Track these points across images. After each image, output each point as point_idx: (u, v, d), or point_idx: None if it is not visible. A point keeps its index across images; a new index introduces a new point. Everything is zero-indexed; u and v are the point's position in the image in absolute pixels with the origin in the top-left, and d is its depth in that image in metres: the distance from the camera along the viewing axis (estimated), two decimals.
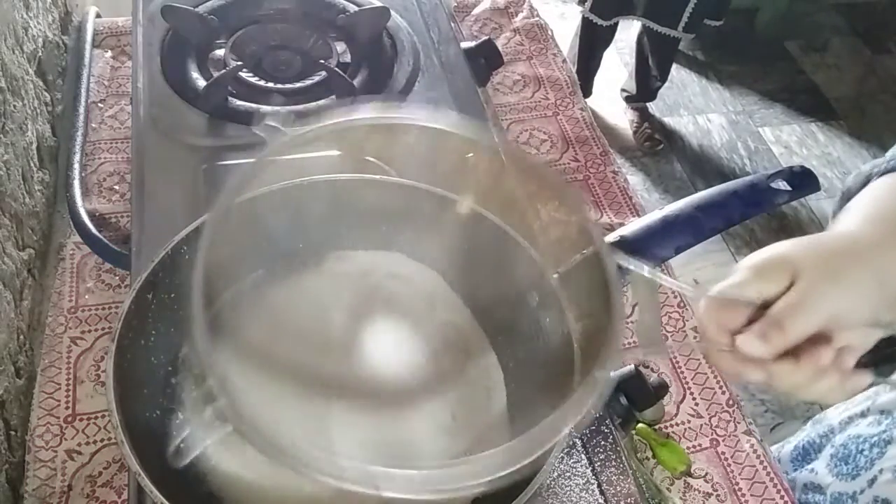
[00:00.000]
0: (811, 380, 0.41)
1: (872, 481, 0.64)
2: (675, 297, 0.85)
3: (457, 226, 0.62)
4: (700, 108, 2.52)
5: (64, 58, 1.02)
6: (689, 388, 0.78)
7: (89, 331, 0.76)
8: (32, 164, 0.83)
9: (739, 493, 0.71)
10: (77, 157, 0.87)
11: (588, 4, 2.03)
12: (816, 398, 0.43)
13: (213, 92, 0.81)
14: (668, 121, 2.47)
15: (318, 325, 0.63)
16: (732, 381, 0.46)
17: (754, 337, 0.40)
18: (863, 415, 0.72)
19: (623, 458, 0.62)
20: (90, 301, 0.78)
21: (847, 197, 0.52)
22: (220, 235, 0.45)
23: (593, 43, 2.18)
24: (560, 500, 0.58)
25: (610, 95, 2.43)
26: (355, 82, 0.86)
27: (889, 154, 0.52)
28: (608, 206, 0.94)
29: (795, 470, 0.78)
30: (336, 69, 0.84)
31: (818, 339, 0.40)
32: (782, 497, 0.71)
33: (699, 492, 0.71)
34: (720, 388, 0.78)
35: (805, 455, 0.78)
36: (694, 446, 0.74)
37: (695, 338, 0.49)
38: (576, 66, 2.16)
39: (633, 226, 0.60)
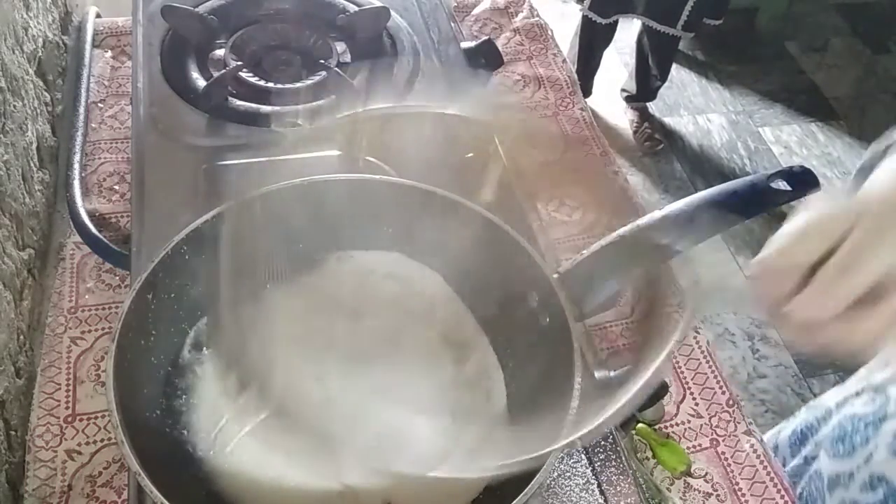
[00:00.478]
0: (890, 323, 0.39)
1: (868, 458, 0.64)
2: (676, 296, 0.85)
3: (457, 226, 0.62)
4: (700, 108, 2.52)
5: (64, 58, 1.02)
6: (689, 388, 0.78)
7: (89, 331, 0.76)
8: (32, 164, 0.83)
9: (739, 493, 0.71)
10: (77, 157, 0.87)
11: (587, 3, 2.03)
12: (874, 345, 0.41)
13: (213, 92, 0.81)
14: (668, 121, 2.47)
15: (318, 326, 0.63)
16: (814, 347, 0.43)
17: (823, 284, 0.39)
18: (857, 394, 0.71)
19: (623, 458, 0.62)
20: (90, 301, 0.78)
21: (865, 171, 0.50)
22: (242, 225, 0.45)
23: (593, 42, 2.18)
24: (560, 500, 0.58)
25: (610, 95, 2.43)
26: (355, 82, 0.86)
27: None
28: (608, 206, 0.93)
29: (794, 456, 0.78)
30: (336, 69, 0.85)
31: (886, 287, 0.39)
32: (782, 497, 0.71)
33: (699, 492, 0.71)
34: (720, 388, 0.78)
35: (802, 439, 0.78)
36: (694, 446, 0.74)
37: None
38: (576, 66, 2.16)
39: (633, 226, 0.60)
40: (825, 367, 1.84)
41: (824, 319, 0.40)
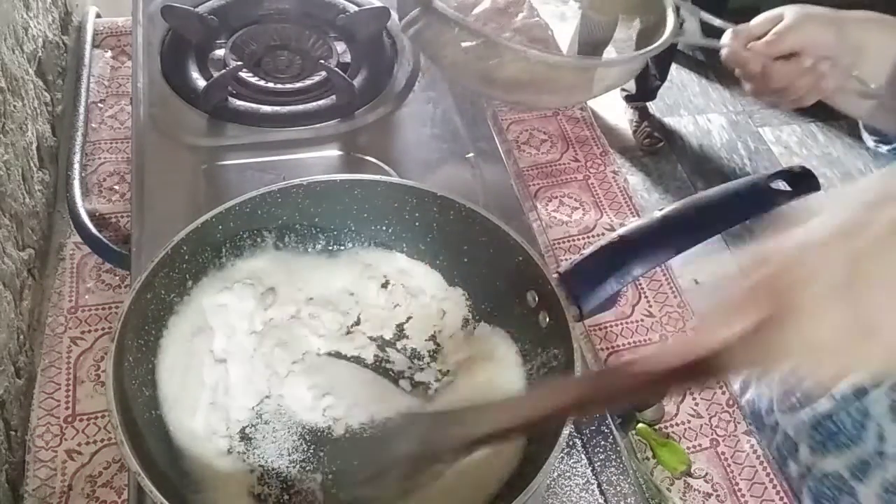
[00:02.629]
0: (796, 76, 0.65)
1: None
2: (675, 297, 0.85)
3: (457, 226, 0.62)
4: (700, 108, 2.52)
5: (64, 58, 1.02)
6: (689, 388, 0.78)
7: (89, 331, 0.76)
8: (32, 164, 0.83)
9: (739, 494, 0.71)
10: (77, 157, 0.87)
11: (587, 2, 2.03)
12: (798, 97, 0.66)
13: (213, 92, 0.81)
14: (669, 121, 2.47)
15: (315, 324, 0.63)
16: (746, 77, 0.69)
17: (763, 42, 0.66)
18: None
19: (623, 458, 0.62)
20: (90, 301, 0.78)
21: None
22: None
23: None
24: (560, 500, 0.58)
25: (610, 95, 2.43)
26: (355, 82, 0.86)
27: None
28: (608, 206, 0.93)
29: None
30: (336, 69, 0.85)
31: (800, 55, 0.64)
32: (782, 498, 0.71)
33: (699, 492, 0.71)
34: (720, 388, 0.78)
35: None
36: (694, 446, 0.74)
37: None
38: None
39: (633, 227, 0.60)
40: None
41: (768, 55, 0.65)
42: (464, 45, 0.64)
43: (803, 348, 0.35)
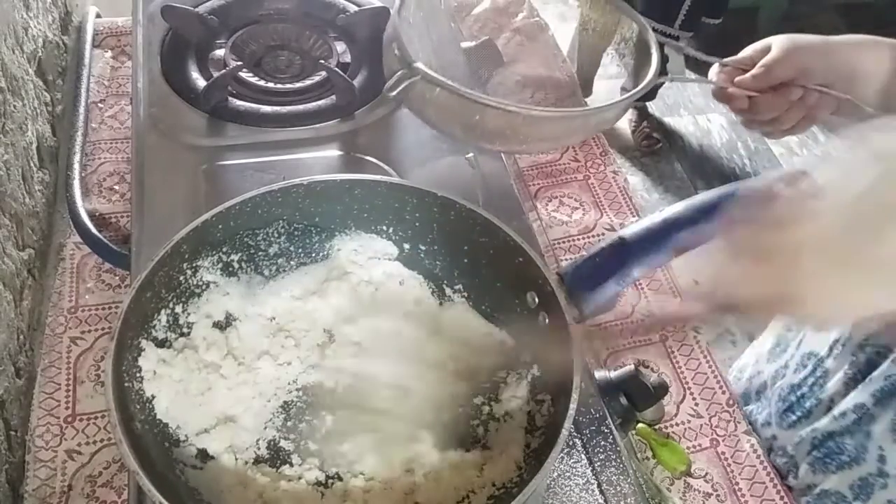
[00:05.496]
0: (783, 108, 0.64)
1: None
2: (675, 297, 0.85)
3: (457, 226, 0.62)
4: (700, 108, 2.52)
5: (64, 58, 1.02)
6: (689, 388, 0.78)
7: (89, 331, 0.76)
8: (32, 164, 0.83)
9: (739, 494, 0.71)
10: (77, 157, 0.87)
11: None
12: (789, 127, 0.66)
13: (213, 92, 0.81)
14: (669, 121, 2.47)
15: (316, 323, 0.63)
16: (732, 109, 0.68)
17: (749, 76, 0.65)
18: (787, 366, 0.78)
19: (623, 458, 0.62)
20: (90, 301, 0.78)
21: None
22: None
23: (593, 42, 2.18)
24: (560, 500, 0.58)
25: (610, 95, 2.43)
26: (355, 82, 0.86)
27: None
28: (608, 206, 0.94)
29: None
30: (336, 69, 0.84)
31: (790, 86, 0.64)
32: (782, 498, 0.71)
33: (699, 492, 0.71)
34: (720, 388, 0.78)
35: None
36: (694, 446, 0.74)
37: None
38: (575, 66, 2.16)
39: (633, 227, 0.60)
40: None
41: (754, 90, 0.64)
42: (446, 102, 0.66)
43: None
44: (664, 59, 0.72)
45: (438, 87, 0.64)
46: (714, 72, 0.68)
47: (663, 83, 0.70)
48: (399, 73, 0.65)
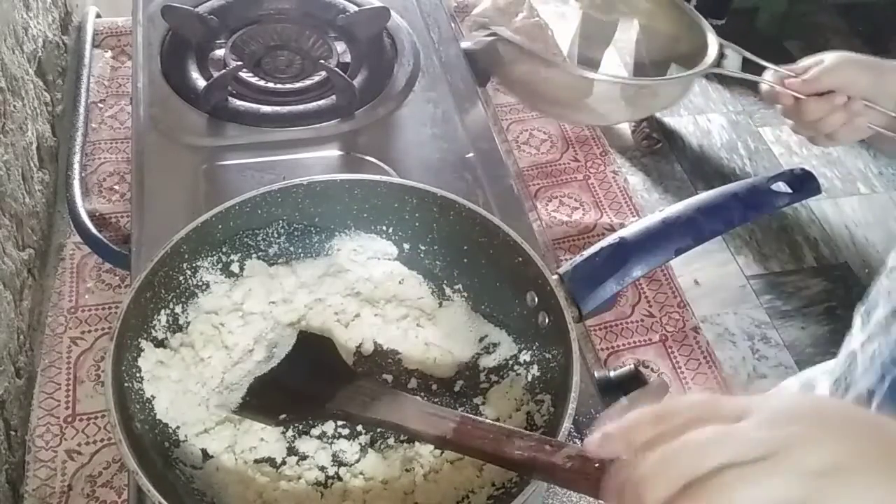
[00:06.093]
0: (828, 112, 0.70)
1: None
2: (675, 297, 0.85)
3: (457, 226, 0.62)
4: (700, 108, 2.52)
5: (64, 58, 1.02)
6: (689, 388, 0.78)
7: (89, 331, 0.76)
8: (32, 164, 0.83)
9: None
10: (77, 157, 0.87)
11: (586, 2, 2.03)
12: (830, 131, 0.72)
13: (213, 92, 0.81)
14: (668, 121, 2.47)
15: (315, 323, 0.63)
16: (783, 111, 0.74)
17: (799, 80, 0.72)
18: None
19: None
20: (90, 301, 0.78)
21: None
22: None
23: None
24: (560, 500, 0.58)
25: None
26: (355, 82, 0.86)
27: None
28: (608, 206, 0.94)
29: None
30: (336, 69, 0.84)
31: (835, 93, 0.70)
32: None
33: None
34: (720, 388, 0.78)
35: None
36: None
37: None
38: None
39: (633, 227, 0.60)
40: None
41: (802, 95, 0.72)
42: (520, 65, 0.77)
43: None
44: (721, 56, 0.79)
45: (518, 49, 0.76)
46: (768, 74, 0.75)
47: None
48: (482, 34, 0.76)
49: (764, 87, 0.75)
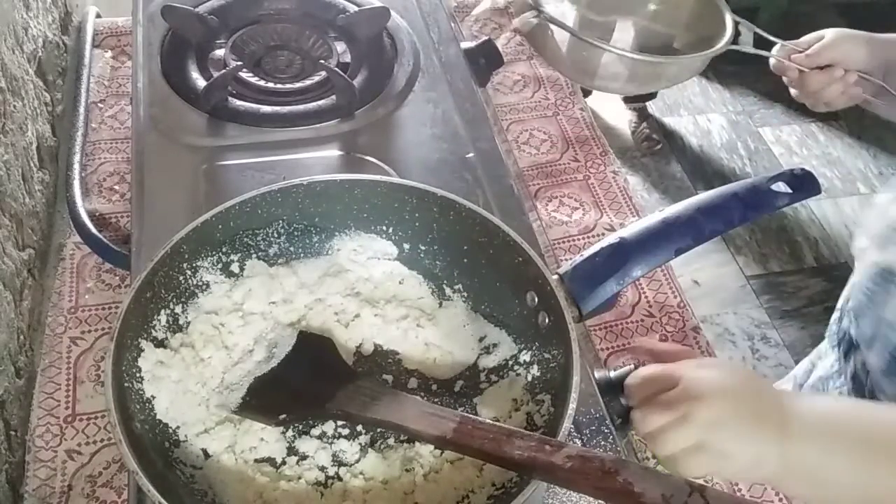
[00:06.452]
0: (827, 83, 0.81)
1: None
2: (676, 297, 0.85)
3: (456, 226, 0.62)
4: (700, 108, 2.52)
5: (64, 58, 1.02)
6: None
7: (89, 331, 0.76)
8: (32, 164, 0.83)
9: (739, 494, 0.71)
10: (77, 157, 0.87)
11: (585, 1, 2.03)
12: (829, 100, 0.83)
13: (213, 92, 0.81)
14: (668, 121, 2.47)
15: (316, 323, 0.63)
16: (788, 82, 0.85)
17: (803, 55, 0.82)
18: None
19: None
20: (90, 301, 0.78)
21: None
22: None
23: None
24: (560, 501, 0.58)
25: (610, 95, 2.43)
26: (355, 82, 0.86)
27: None
28: (608, 206, 0.94)
29: None
30: (336, 69, 0.84)
31: (835, 67, 0.81)
32: (781, 499, 0.71)
33: None
34: None
35: None
36: None
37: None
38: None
39: (633, 227, 0.60)
40: None
41: (804, 68, 0.82)
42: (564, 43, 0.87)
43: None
44: (736, 34, 0.87)
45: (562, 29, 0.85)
46: (776, 49, 0.85)
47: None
48: (531, 15, 0.86)
49: (772, 61, 0.84)
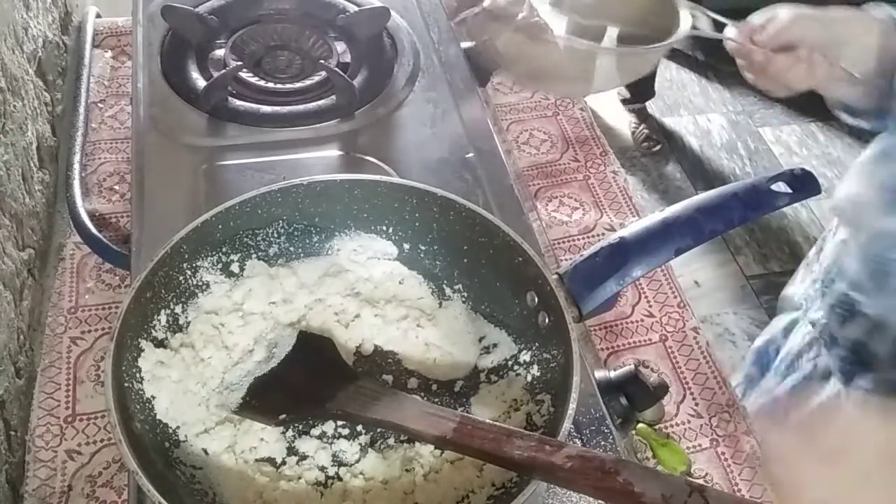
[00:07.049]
0: (791, 65, 0.76)
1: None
2: (676, 297, 0.85)
3: (456, 225, 0.62)
4: (700, 108, 2.52)
5: (64, 58, 1.02)
6: (689, 388, 0.78)
7: (89, 331, 0.76)
8: (32, 164, 0.83)
9: (739, 494, 0.71)
10: (77, 157, 0.87)
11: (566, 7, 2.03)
12: (793, 83, 0.77)
13: (213, 92, 0.81)
14: (668, 121, 2.48)
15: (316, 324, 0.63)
16: (748, 66, 0.79)
17: (767, 37, 0.76)
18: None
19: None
20: (90, 301, 0.78)
21: None
22: None
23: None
24: (560, 501, 0.58)
25: (610, 95, 2.43)
26: (355, 82, 0.86)
27: None
28: (608, 206, 0.94)
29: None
30: (336, 69, 0.84)
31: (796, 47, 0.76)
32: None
33: None
34: (720, 388, 0.78)
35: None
36: (694, 446, 0.74)
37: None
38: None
39: (633, 227, 0.60)
40: None
41: (769, 48, 0.76)
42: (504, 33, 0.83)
43: None
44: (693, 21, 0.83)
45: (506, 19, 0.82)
46: (732, 32, 0.80)
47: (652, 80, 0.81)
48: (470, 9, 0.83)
49: (730, 44, 0.79)
